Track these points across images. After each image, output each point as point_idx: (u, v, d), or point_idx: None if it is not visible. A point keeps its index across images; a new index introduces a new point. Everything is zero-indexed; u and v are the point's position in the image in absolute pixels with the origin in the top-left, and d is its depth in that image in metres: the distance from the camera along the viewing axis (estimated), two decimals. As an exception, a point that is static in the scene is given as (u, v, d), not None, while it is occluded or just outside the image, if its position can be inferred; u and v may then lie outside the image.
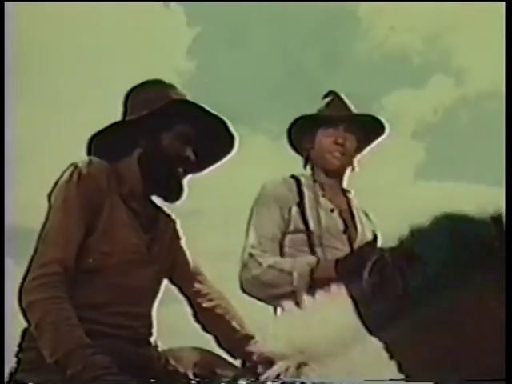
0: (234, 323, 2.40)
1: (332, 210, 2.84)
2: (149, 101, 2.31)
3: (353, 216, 2.90)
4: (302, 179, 2.90)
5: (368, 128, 2.92)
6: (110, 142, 2.33)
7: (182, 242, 2.48)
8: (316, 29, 6.38)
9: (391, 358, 1.74)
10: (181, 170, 2.33)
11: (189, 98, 2.41)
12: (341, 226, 2.82)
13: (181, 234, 2.49)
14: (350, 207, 2.93)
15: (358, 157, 2.96)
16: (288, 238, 2.76)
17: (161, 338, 2.37)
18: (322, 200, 2.84)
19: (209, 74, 6.63)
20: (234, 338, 2.40)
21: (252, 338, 2.36)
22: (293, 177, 2.92)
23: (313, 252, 2.71)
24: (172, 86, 2.40)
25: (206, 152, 2.41)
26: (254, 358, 2.15)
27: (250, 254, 2.69)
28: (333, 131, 2.87)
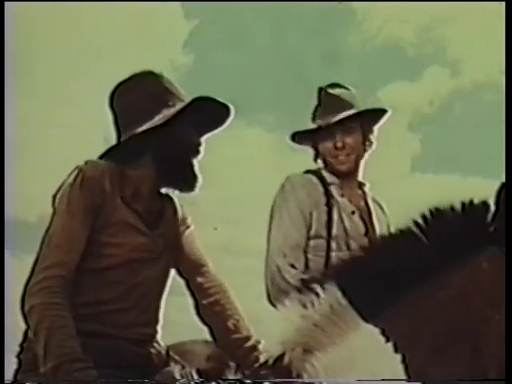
0: (230, 323, 2.36)
1: (353, 212, 2.86)
2: (151, 97, 2.28)
3: (370, 213, 2.91)
4: (325, 175, 2.89)
5: (371, 117, 2.92)
6: (120, 149, 2.30)
7: (190, 231, 2.45)
8: (311, 22, 6.39)
9: (387, 341, 1.81)
10: (193, 158, 2.31)
11: (185, 91, 2.39)
12: (362, 229, 2.85)
13: (189, 221, 2.46)
14: (366, 202, 2.94)
15: (374, 146, 2.97)
16: (309, 242, 2.79)
17: (165, 332, 2.38)
18: (342, 201, 2.86)
19: (205, 67, 6.64)
20: (228, 339, 2.36)
21: (247, 339, 2.34)
22: (314, 173, 2.93)
23: (328, 257, 2.74)
24: (161, 77, 2.36)
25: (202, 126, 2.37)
26: (247, 361, 2.20)
27: (278, 268, 2.72)
28: (330, 137, 2.88)
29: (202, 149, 2.33)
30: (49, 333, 2.03)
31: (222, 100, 2.32)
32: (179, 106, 2.28)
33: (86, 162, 2.26)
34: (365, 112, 2.91)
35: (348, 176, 2.92)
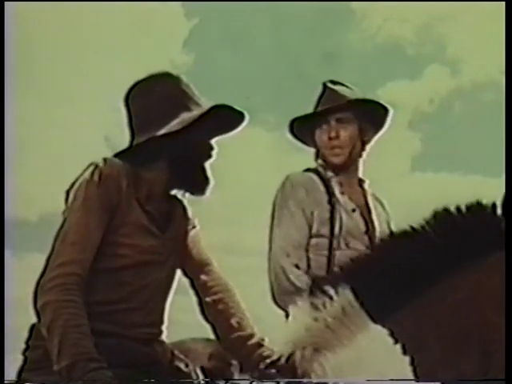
0: (233, 321, 2.35)
1: (354, 210, 2.84)
2: (169, 100, 2.26)
3: (370, 210, 2.89)
4: (323, 172, 2.88)
5: (367, 110, 2.90)
6: (135, 151, 2.29)
7: (196, 231, 2.43)
8: (311, 21, 6.40)
9: (396, 342, 1.82)
10: (206, 162, 2.30)
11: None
12: (362, 227, 2.83)
13: (196, 222, 2.44)
14: (366, 200, 2.92)
15: (372, 142, 2.95)
16: (310, 241, 2.77)
17: (169, 331, 2.39)
18: (343, 199, 2.84)
19: (206, 66, 6.65)
20: (232, 337, 2.35)
21: (251, 337, 2.33)
22: (313, 171, 2.91)
23: (331, 256, 2.73)
24: (179, 78, 2.32)
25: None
26: (251, 359, 2.20)
27: (283, 269, 2.70)
28: (326, 127, 2.87)
29: (214, 152, 2.33)
30: (64, 331, 2.00)
31: (237, 108, 2.30)
32: (197, 111, 2.26)
33: (105, 159, 2.22)
34: (357, 102, 2.88)
35: (345, 171, 2.90)
